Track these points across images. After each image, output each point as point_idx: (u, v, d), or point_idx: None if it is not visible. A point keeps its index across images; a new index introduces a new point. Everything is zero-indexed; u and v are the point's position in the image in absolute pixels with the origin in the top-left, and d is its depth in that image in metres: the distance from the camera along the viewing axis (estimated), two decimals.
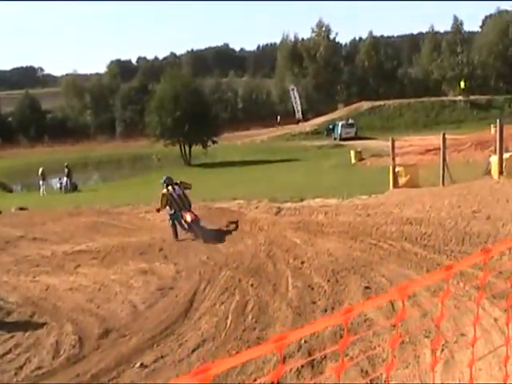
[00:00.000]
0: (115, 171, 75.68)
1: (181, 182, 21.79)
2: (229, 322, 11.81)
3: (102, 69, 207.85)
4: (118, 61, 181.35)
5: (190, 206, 21.25)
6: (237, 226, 21.26)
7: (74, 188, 52.92)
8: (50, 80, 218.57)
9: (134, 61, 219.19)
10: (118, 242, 20.54)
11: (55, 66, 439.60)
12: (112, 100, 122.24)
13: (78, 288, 15.29)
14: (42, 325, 12.54)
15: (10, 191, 65.56)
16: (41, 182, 53.53)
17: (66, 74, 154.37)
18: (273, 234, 18.82)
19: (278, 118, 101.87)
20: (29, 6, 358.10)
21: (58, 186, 54.69)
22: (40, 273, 17.39)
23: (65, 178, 53.81)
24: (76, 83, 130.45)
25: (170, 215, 21.06)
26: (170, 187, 21.24)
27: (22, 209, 31.63)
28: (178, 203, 20.96)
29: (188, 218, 20.51)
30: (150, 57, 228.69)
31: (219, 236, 20.12)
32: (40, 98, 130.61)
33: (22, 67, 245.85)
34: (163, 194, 21.13)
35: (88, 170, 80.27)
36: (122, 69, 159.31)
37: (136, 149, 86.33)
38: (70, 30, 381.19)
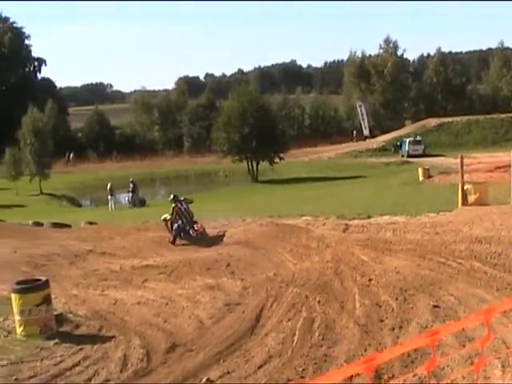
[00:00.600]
0: (182, 187, 75.92)
1: (184, 199, 26.43)
2: (295, 338, 11.77)
3: (170, 85, 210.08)
4: (186, 77, 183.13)
5: (193, 217, 25.37)
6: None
7: (141, 203, 53.43)
8: (118, 96, 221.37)
9: (201, 77, 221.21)
10: (185, 257, 20.69)
11: (124, 83, 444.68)
12: (180, 116, 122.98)
13: (146, 302, 15.39)
14: (110, 338, 12.65)
15: (79, 206, 66.46)
16: (109, 197, 54.15)
17: (135, 91, 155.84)
18: (340, 251, 18.72)
19: (354, 132, 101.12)
20: (99, 23, 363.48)
21: (127, 200, 55.29)
22: (108, 287, 17.56)
23: (130, 193, 54.41)
24: (144, 99, 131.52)
25: (178, 225, 24.83)
26: (177, 203, 25.55)
27: (91, 223, 32.03)
28: (185, 215, 25.15)
29: (197, 227, 24.81)
30: (218, 73, 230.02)
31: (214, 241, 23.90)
32: (109, 113, 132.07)
33: (92, 83, 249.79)
34: (173, 208, 25.31)
35: (156, 185, 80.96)
36: (189, 85, 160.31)
37: (203, 165, 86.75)
38: (139, 47, 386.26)
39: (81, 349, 12.06)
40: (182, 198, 26.34)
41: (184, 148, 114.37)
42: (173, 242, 24.59)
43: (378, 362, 2.20)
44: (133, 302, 15.44)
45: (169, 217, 25.63)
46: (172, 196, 26.38)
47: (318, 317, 12.83)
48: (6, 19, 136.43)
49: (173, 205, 25.53)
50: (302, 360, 10.72)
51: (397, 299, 13.42)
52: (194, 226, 24.94)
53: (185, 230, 24.85)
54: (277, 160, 70.38)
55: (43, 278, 13.56)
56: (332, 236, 21.43)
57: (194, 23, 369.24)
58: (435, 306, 12.76)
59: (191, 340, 12.27)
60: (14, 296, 12.97)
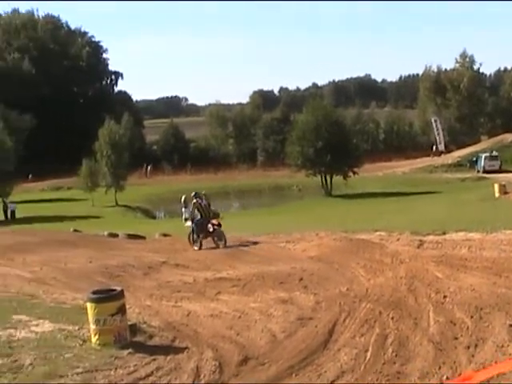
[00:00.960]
0: (256, 200, 76.39)
1: (204, 195, 29.14)
2: (368, 354, 11.66)
3: (244, 99, 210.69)
4: (261, 91, 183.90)
5: (210, 214, 27.83)
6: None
7: (215, 216, 53.58)
8: (193, 109, 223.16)
9: (276, 91, 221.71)
10: (258, 271, 20.68)
11: (199, 96, 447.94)
12: (254, 130, 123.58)
13: (219, 315, 15.41)
14: (183, 349, 12.68)
15: (154, 218, 67.19)
16: (183, 210, 54.43)
17: (209, 104, 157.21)
18: (414, 268, 18.53)
19: (434, 147, 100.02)
20: (174, 37, 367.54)
21: None
22: (181, 298, 17.65)
23: None
24: (219, 113, 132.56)
25: (197, 221, 27.23)
26: (198, 199, 27.90)
27: (165, 235, 32.33)
28: (204, 210, 27.55)
29: (215, 222, 27.13)
30: (292, 87, 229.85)
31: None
32: (183, 126, 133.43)
33: (167, 97, 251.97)
34: (194, 204, 27.75)
35: (229, 198, 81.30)
36: (264, 99, 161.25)
37: (276, 178, 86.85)
38: (214, 61, 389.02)
39: (154, 359, 12.13)
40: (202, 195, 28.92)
41: (258, 161, 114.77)
42: (200, 247, 26.89)
43: (474, 381, 2.17)
44: (206, 314, 15.48)
45: (189, 222, 27.92)
46: (194, 193, 28.73)
47: (392, 333, 12.70)
48: (85, 33, 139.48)
49: (194, 200, 27.94)
50: (375, 376, 10.62)
51: (472, 317, 13.21)
52: (212, 221, 27.17)
53: (203, 227, 26.97)
54: (350, 174, 70.15)
55: (118, 288, 13.70)
56: (406, 252, 21.26)
57: (268, 37, 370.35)
58: None
59: (263, 353, 12.25)
60: (89, 305, 13.13)
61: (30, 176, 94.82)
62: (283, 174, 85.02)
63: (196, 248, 26.87)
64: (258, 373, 11.24)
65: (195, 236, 27.18)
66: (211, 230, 26.80)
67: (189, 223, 27.83)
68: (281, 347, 12.54)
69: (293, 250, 24.72)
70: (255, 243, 26.65)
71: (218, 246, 26.56)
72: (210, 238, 27.44)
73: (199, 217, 27.26)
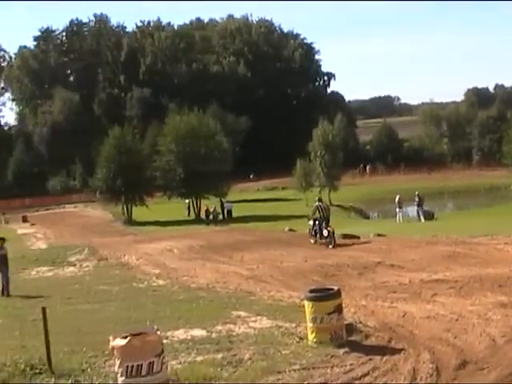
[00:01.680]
0: (471, 200, 74.53)
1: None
2: None
3: (459, 97, 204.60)
4: (475, 88, 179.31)
5: (329, 214, 31.80)
6: None
7: (429, 216, 52.88)
8: (405, 109, 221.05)
9: (491, 88, 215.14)
10: (476, 273, 20.20)
11: (411, 95, 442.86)
12: (469, 128, 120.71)
13: (435, 317, 15.22)
14: (399, 351, 12.63)
15: (367, 217, 67.18)
16: (397, 210, 54.18)
17: (422, 103, 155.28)
18: None
19: None
20: (386, 36, 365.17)
21: (416, 214, 55.03)
22: (397, 299, 17.58)
23: (415, 207, 54.12)
24: (433, 112, 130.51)
25: (316, 219, 31.07)
26: (320, 203, 32.05)
27: (379, 235, 32.28)
28: (323, 212, 31.21)
29: (330, 228, 30.24)
30: (508, 84, 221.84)
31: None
32: (396, 126, 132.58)
33: (379, 97, 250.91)
34: (316, 206, 31.85)
35: (444, 198, 79.89)
36: (479, 97, 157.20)
37: (493, 178, 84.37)
38: (428, 60, 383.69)
39: (370, 359, 12.17)
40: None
41: (473, 161, 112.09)
42: (315, 242, 30.91)
43: None
44: (422, 316, 15.34)
45: (311, 221, 31.54)
46: (317, 198, 34.27)
47: None
48: (297, 36, 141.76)
49: (316, 204, 32.31)
50: None
51: None
52: (328, 228, 30.37)
53: (320, 228, 30.65)
54: None
55: (335, 288, 13.84)
56: None
57: (483, 33, 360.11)
58: None
59: (482, 358, 11.95)
60: (307, 303, 13.37)
61: (252, 175, 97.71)
62: (500, 174, 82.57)
63: (312, 241, 31.14)
64: (476, 378, 11.02)
65: (313, 232, 31.27)
66: (326, 235, 30.27)
67: (311, 222, 31.61)
68: (501, 352, 12.20)
69: None
70: (472, 245, 26.03)
71: (327, 246, 29.78)
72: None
73: (319, 216, 31.05)
